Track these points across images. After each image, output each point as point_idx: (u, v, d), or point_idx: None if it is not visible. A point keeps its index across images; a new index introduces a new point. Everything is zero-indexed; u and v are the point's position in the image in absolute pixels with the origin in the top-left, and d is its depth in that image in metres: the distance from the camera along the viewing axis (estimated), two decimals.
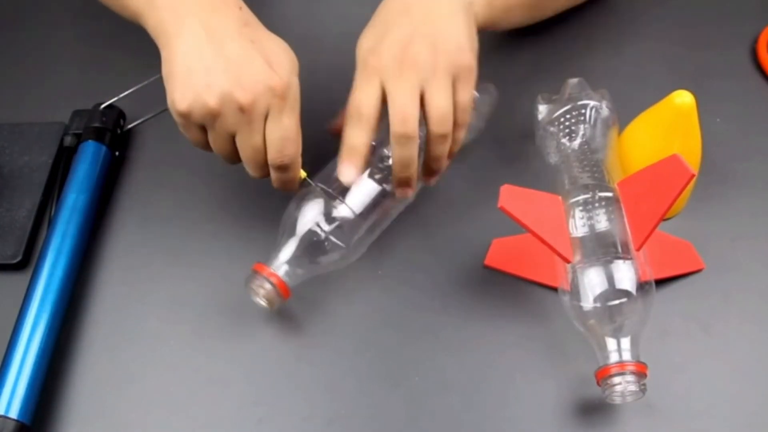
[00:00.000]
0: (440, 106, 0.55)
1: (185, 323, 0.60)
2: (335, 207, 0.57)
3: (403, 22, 0.57)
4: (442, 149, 0.56)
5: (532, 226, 0.53)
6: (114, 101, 0.72)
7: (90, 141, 0.68)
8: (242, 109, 0.53)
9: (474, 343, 0.58)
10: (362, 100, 0.55)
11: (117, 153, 0.70)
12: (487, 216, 0.59)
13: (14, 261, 0.63)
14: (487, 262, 0.61)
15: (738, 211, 0.63)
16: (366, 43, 0.57)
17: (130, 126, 0.73)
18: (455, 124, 0.56)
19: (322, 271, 0.58)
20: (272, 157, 0.55)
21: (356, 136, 0.55)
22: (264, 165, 0.56)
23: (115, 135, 0.70)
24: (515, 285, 0.60)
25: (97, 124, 0.70)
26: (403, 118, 0.54)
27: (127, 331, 0.60)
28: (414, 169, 0.56)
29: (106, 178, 0.68)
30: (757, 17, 0.76)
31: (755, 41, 0.73)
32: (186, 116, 0.54)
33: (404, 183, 0.57)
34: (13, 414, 0.53)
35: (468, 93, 0.57)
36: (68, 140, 0.69)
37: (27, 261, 0.64)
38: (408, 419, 0.55)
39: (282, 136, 0.54)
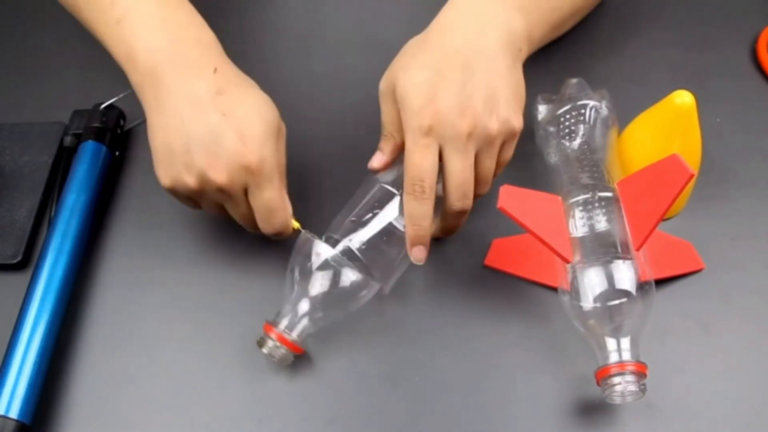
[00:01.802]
0: (488, 173, 0.56)
1: (185, 323, 0.60)
2: (341, 257, 0.55)
3: (461, 77, 0.54)
4: (470, 207, 0.57)
5: (532, 226, 0.53)
6: (114, 101, 0.72)
7: (90, 141, 0.68)
8: (221, 189, 0.55)
9: (474, 343, 0.58)
10: (425, 171, 0.53)
11: (117, 153, 0.70)
12: (487, 216, 0.59)
13: (14, 261, 0.63)
14: (487, 262, 0.61)
15: (738, 211, 0.63)
16: (416, 84, 0.53)
17: (130, 126, 0.73)
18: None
19: (338, 317, 0.57)
20: (262, 227, 0.57)
21: (422, 212, 0.54)
22: (257, 225, 0.58)
23: (115, 135, 0.70)
24: (515, 285, 0.60)
25: (97, 124, 0.70)
26: (464, 193, 0.54)
27: (127, 331, 0.60)
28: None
29: (106, 178, 0.68)
30: (757, 17, 0.76)
31: (755, 41, 0.73)
32: (172, 191, 0.57)
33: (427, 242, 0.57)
34: (13, 414, 0.54)
35: (510, 154, 0.57)
36: (68, 140, 0.69)
37: (27, 261, 0.64)
38: (408, 419, 0.55)
39: (266, 208, 0.56)
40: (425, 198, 0.54)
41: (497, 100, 0.54)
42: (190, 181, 0.55)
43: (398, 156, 0.58)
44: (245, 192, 0.56)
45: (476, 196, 0.57)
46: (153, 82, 0.56)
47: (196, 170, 0.54)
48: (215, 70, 0.56)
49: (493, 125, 0.54)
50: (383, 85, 0.57)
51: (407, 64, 0.56)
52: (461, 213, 0.56)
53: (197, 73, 0.56)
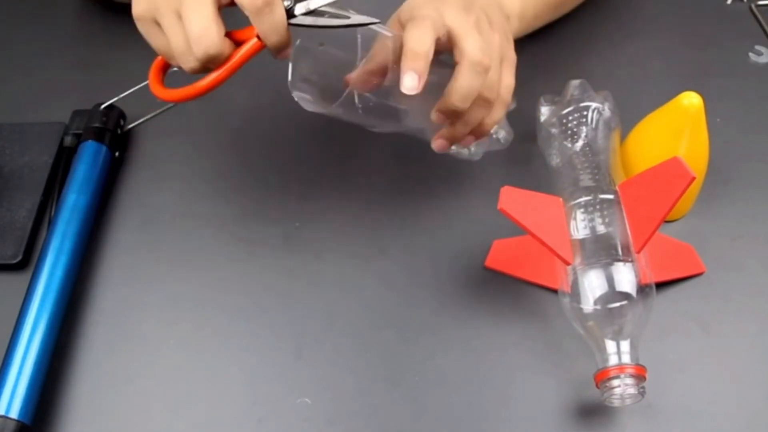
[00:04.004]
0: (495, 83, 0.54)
1: (185, 323, 0.60)
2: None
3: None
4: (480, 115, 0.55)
5: (532, 228, 0.53)
6: (114, 101, 0.72)
7: (90, 141, 0.68)
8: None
9: (474, 343, 0.58)
10: (435, 18, 0.51)
11: (117, 153, 0.70)
12: (488, 217, 0.59)
13: (14, 261, 0.63)
14: (487, 263, 0.61)
15: (738, 211, 0.63)
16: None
17: (130, 126, 0.73)
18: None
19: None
20: (195, 53, 0.51)
21: (420, 37, 0.50)
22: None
23: (115, 135, 0.70)
24: (515, 286, 0.60)
25: (97, 124, 0.70)
26: (484, 66, 0.52)
27: (127, 331, 0.60)
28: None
29: (106, 178, 0.68)
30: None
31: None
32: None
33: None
34: (14, 414, 0.54)
35: (511, 77, 0.57)
36: (68, 140, 0.69)
37: (27, 261, 0.64)
38: (408, 419, 0.55)
39: (188, 28, 0.50)
40: (426, 27, 0.51)
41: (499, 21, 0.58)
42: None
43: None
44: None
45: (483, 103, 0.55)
46: None
47: None
48: None
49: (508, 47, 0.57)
50: (395, 16, 0.56)
51: None
52: (476, 102, 0.53)
53: None
